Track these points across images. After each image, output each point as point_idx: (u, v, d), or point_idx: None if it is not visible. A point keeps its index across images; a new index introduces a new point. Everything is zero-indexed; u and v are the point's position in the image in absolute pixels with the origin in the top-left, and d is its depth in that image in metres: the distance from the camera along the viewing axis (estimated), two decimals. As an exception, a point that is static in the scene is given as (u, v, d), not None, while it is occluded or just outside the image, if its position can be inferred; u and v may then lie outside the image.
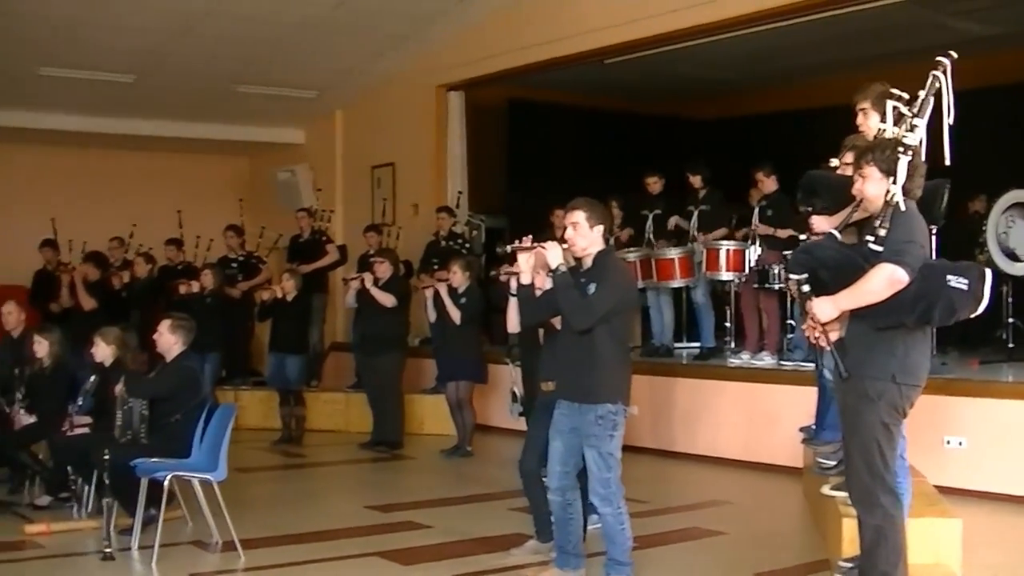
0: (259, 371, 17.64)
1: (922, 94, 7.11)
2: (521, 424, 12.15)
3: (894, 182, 6.29)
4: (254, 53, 17.91)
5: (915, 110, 7.04)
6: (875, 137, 7.40)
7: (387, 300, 14.25)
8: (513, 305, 8.59)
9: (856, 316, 6.24)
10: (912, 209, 6.37)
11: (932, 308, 6.19)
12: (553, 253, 7.52)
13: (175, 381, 9.68)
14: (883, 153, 6.40)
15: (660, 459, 13.45)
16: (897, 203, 6.26)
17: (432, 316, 14.24)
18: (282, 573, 8.55)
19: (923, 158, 6.83)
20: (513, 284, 8.39)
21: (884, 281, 6.11)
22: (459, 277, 13.57)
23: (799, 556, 8.96)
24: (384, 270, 14.41)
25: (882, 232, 6.21)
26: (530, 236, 7.93)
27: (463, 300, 13.57)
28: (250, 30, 17.04)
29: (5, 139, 20.76)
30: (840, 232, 6.62)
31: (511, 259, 8.22)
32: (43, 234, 18.21)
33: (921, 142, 6.96)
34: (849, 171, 6.97)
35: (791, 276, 6.58)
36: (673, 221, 14.82)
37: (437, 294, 13.87)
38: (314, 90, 19.90)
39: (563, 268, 7.49)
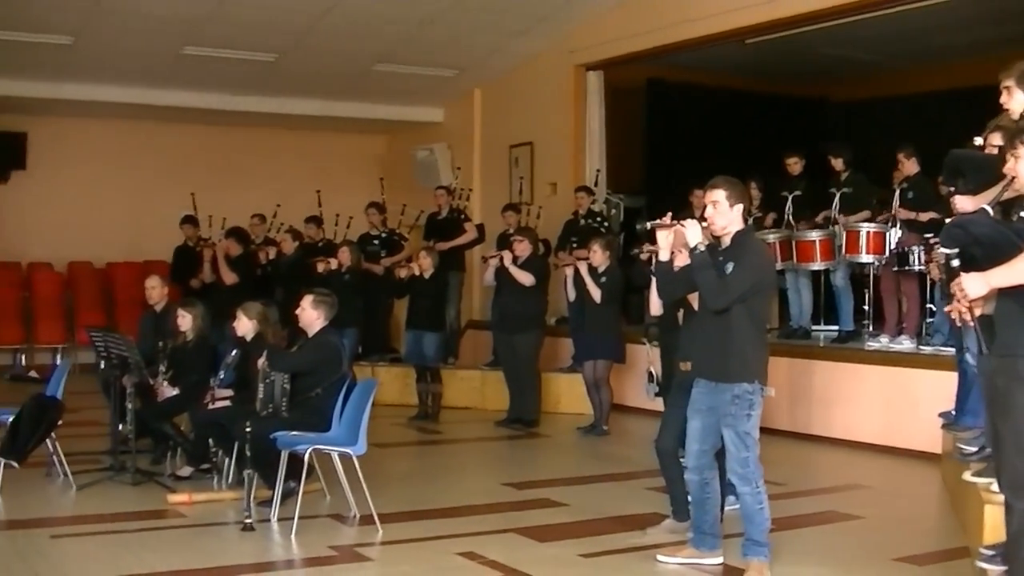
0: (396, 348, 17.75)
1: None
2: (657, 404, 12.12)
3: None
4: (395, 32, 18.01)
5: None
6: (1021, 115, 7.29)
7: (526, 279, 14.28)
8: (655, 284, 8.59)
9: (1004, 294, 6.07)
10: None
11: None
12: (692, 231, 7.50)
13: (317, 355, 9.80)
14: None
15: (797, 442, 13.36)
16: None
17: (571, 295, 14.24)
18: (419, 547, 8.63)
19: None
20: (653, 262, 8.39)
21: None
22: (599, 256, 13.57)
23: (938, 542, 8.87)
24: (523, 248, 14.42)
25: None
26: (670, 214, 7.90)
27: (603, 279, 13.56)
28: (391, 9, 17.15)
29: (148, 117, 21.15)
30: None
31: (651, 237, 8.20)
32: (184, 211, 18.50)
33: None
34: (994, 150, 6.86)
35: (942, 250, 6.46)
36: (819, 219, 14.63)
37: (577, 272, 13.87)
38: (453, 69, 19.96)
39: (702, 247, 7.46)
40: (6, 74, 18.81)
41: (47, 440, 10.55)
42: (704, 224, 7.57)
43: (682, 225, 7.59)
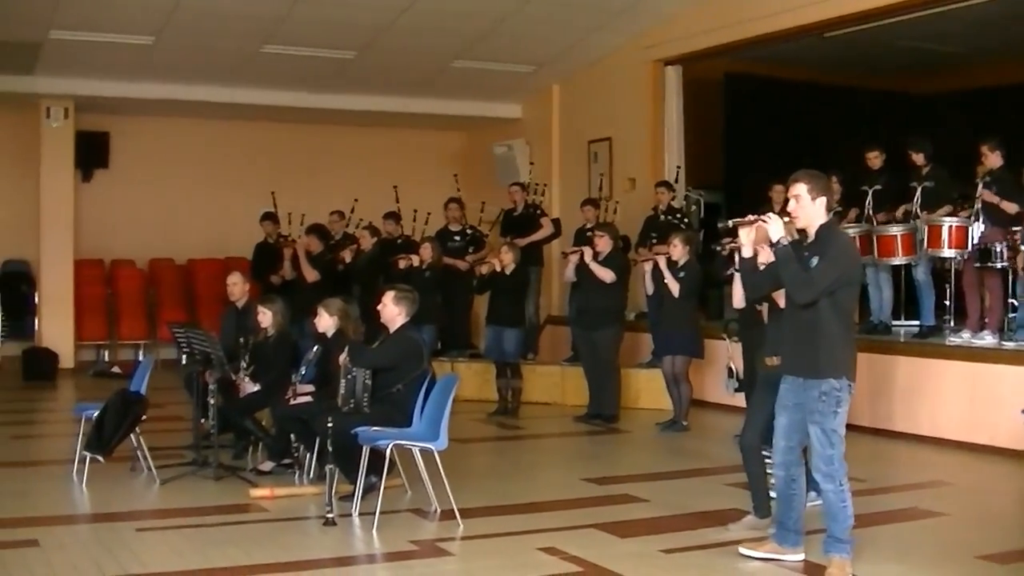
0: (475, 344, 17.78)
1: None
2: (737, 400, 12.12)
3: None
4: (472, 28, 18.04)
5: None
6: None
7: (606, 275, 14.24)
8: (739, 280, 8.56)
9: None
10: None
11: None
12: (775, 226, 7.45)
13: (398, 351, 9.82)
14: None
15: (878, 438, 13.27)
16: None
17: (650, 289, 14.23)
18: (500, 542, 8.66)
19: None
20: (736, 259, 8.36)
21: None
22: (679, 250, 13.54)
23: (1021, 540, 8.79)
24: (604, 244, 14.39)
25: None
26: (755, 216, 7.86)
27: (682, 274, 13.53)
28: (468, 5, 17.18)
29: (228, 115, 21.34)
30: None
31: (733, 234, 8.16)
32: (264, 208, 18.61)
33: None
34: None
35: None
36: (900, 213, 14.50)
37: (656, 267, 13.85)
38: (531, 65, 19.97)
39: (785, 241, 7.42)
40: (89, 74, 19.05)
41: (131, 435, 10.68)
42: (787, 219, 7.52)
43: (764, 221, 7.55)
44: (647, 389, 15.65)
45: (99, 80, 19.34)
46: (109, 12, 16.57)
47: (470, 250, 17.55)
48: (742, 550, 8.07)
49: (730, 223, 7.98)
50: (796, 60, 19.00)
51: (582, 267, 14.47)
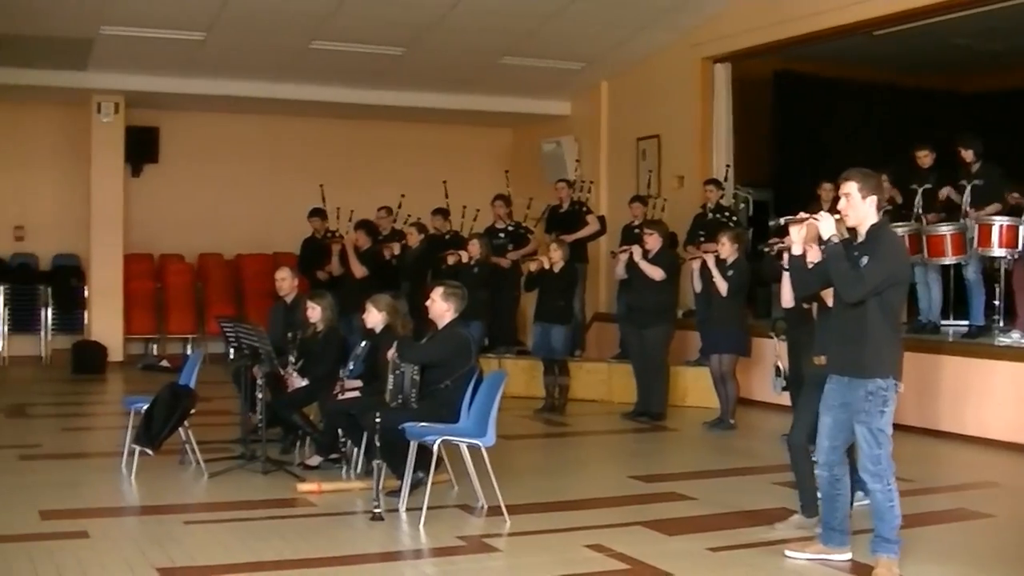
0: (522, 341, 17.78)
1: None
2: (783, 399, 12.08)
3: None
4: (521, 25, 18.04)
5: None
6: None
7: (656, 273, 14.22)
8: (787, 278, 8.54)
9: None
10: None
11: None
12: (825, 224, 7.42)
13: (447, 348, 9.83)
14: None
15: (925, 438, 13.20)
16: None
17: (698, 287, 14.23)
18: (547, 539, 8.66)
19: None
20: (786, 257, 8.34)
21: None
22: (727, 248, 13.51)
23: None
24: (653, 242, 14.36)
25: None
26: (806, 214, 7.83)
27: (730, 272, 13.49)
28: (517, 2, 17.19)
29: (277, 111, 21.43)
30: None
31: (783, 232, 8.14)
32: (312, 204, 18.66)
33: None
34: None
35: None
36: (945, 192, 14.44)
37: (704, 265, 13.82)
38: (580, 62, 19.95)
39: (835, 240, 7.39)
40: (139, 70, 19.18)
41: (180, 428, 10.73)
42: (837, 217, 7.50)
43: (815, 219, 7.53)
44: (694, 387, 15.64)
45: (149, 75, 19.47)
46: (160, 8, 16.68)
47: (509, 247, 17.57)
48: (788, 553, 8.05)
49: (782, 220, 7.96)
50: (845, 58, 18.90)
51: (632, 265, 14.46)
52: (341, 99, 20.72)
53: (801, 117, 19.74)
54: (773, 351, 12.53)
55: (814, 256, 7.77)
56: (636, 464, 12.09)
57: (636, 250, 14.40)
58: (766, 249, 9.90)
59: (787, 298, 9.10)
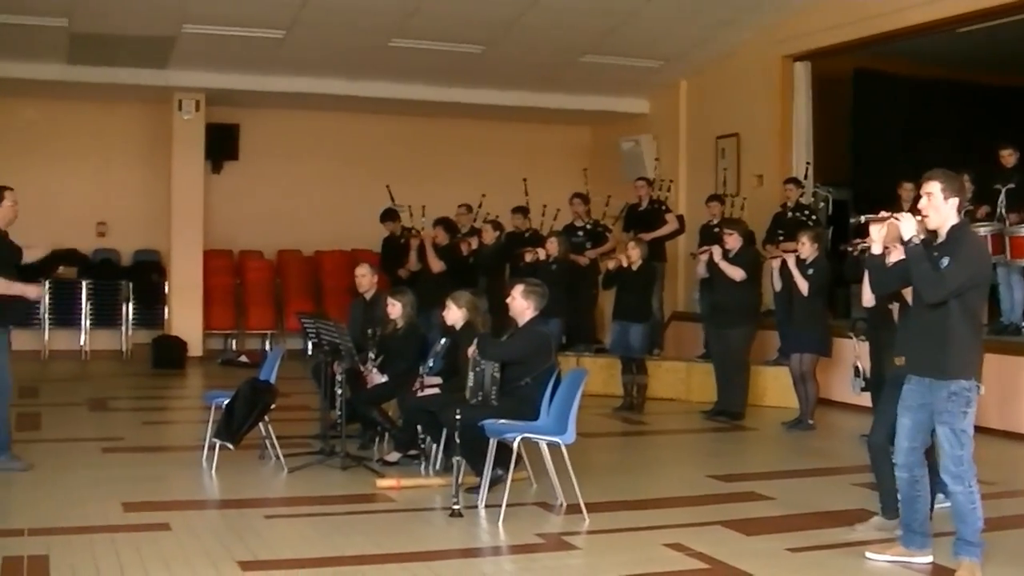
0: (600, 339, 17.77)
1: None
2: (863, 400, 12.01)
3: None
4: (600, 23, 18.03)
5: None
6: None
7: (736, 273, 14.18)
8: (868, 277, 8.49)
9: None
10: None
11: None
12: (906, 224, 7.37)
13: (528, 345, 9.85)
14: None
15: (1008, 441, 13.07)
16: None
17: (778, 286, 14.17)
18: (626, 537, 8.66)
19: None
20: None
21: None
22: (807, 248, 13.43)
23: None
24: (733, 242, 14.31)
25: None
26: (888, 213, 7.78)
27: (810, 271, 13.41)
28: (597, 1, 17.16)
29: (356, 108, 21.54)
30: None
31: (864, 231, 8.08)
32: (387, 204, 18.75)
33: None
34: None
35: None
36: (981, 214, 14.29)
37: (784, 265, 13.76)
38: (659, 60, 19.91)
39: (916, 239, 7.34)
40: (220, 67, 19.36)
41: (260, 423, 10.80)
42: (919, 217, 7.45)
43: (896, 219, 7.48)
44: (773, 387, 15.57)
45: (230, 73, 19.63)
46: (241, 7, 16.82)
47: (588, 245, 17.56)
48: (868, 555, 7.99)
49: (862, 219, 7.91)
50: (927, 56, 18.74)
51: (712, 265, 14.42)
52: (420, 97, 20.78)
53: (881, 115, 19.59)
54: (853, 351, 12.46)
55: (896, 256, 7.72)
56: (715, 463, 12.06)
57: (716, 250, 14.36)
58: (849, 249, 9.83)
59: (868, 298, 9.03)
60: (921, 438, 7.62)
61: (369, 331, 11.46)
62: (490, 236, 16.77)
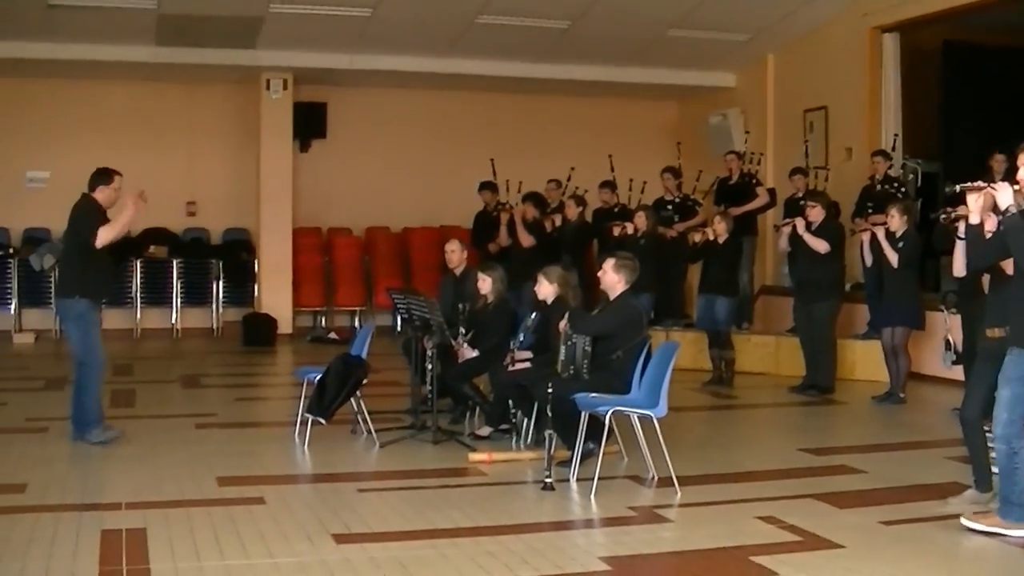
0: (689, 313, 17.74)
1: None
2: (953, 373, 11.94)
3: None
4: (687, -3, 17.99)
5: None
6: None
7: (820, 245, 14.09)
8: (960, 248, 8.42)
9: None
10: None
11: None
12: (1004, 194, 7.31)
13: (619, 319, 9.85)
14: None
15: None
16: None
17: (868, 260, 14.07)
18: (718, 510, 8.66)
19: None
20: (961, 227, 8.22)
21: None
22: (897, 221, 13.31)
23: None
24: (816, 214, 14.22)
25: None
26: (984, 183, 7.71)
27: (900, 244, 13.30)
28: (683, -26, 17.13)
29: (442, 85, 21.59)
30: None
31: (959, 200, 8.02)
32: (479, 178, 18.82)
33: None
34: None
35: None
36: None
37: (873, 238, 13.66)
38: (746, 33, 19.80)
39: (1014, 210, 7.28)
40: (307, 47, 19.45)
41: (352, 399, 10.89)
42: (1016, 187, 7.38)
43: (993, 188, 7.41)
44: (863, 361, 15.48)
45: (317, 52, 19.75)
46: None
47: (676, 219, 17.53)
48: (964, 521, 7.94)
49: (957, 188, 7.84)
50: (1017, 27, 18.45)
51: (796, 238, 14.35)
52: (507, 73, 20.78)
53: (971, 87, 19.34)
54: (944, 324, 12.40)
55: (990, 226, 7.65)
56: (805, 437, 12.04)
57: (799, 222, 14.26)
58: (941, 217, 9.74)
59: (959, 267, 8.93)
60: (1020, 410, 7.57)
61: (460, 306, 11.48)
62: (573, 212, 16.77)
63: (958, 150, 18.47)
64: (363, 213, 22.03)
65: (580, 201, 17.05)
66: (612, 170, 18.59)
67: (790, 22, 19.24)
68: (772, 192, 17.85)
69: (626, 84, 21.69)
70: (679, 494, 8.97)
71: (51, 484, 9.20)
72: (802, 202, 15.33)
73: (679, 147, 20.10)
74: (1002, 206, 7.30)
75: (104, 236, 10.43)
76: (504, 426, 11.03)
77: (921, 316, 13.76)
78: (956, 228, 8.49)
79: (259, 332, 19.83)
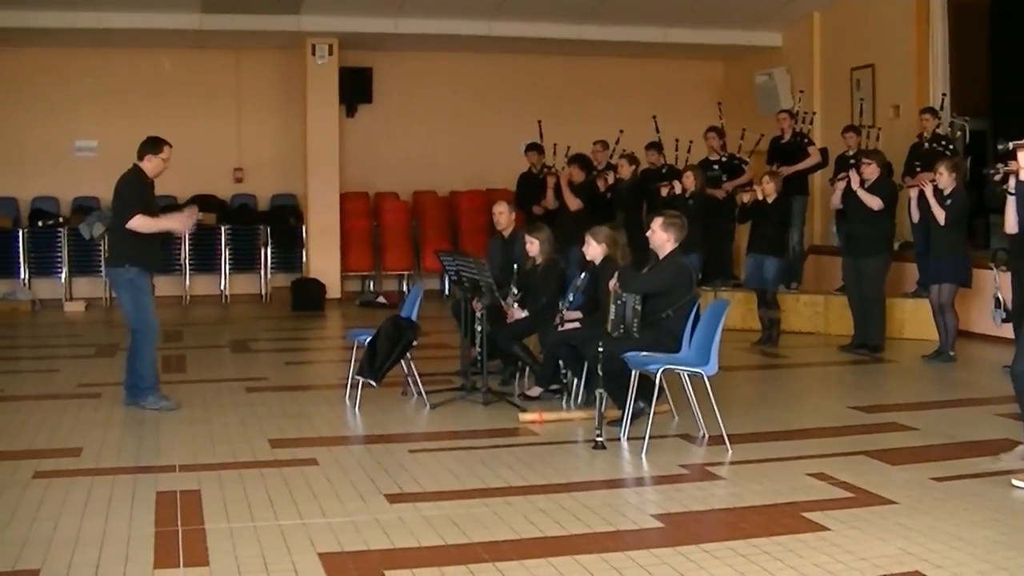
0: (737, 274, 17.71)
1: None
2: (1004, 331, 11.89)
3: None
4: (733, -45, 17.92)
5: None
6: None
7: (874, 202, 14.05)
8: (1011, 204, 8.39)
9: None
10: None
11: None
12: (1055, 150, 7.29)
13: (669, 277, 9.83)
14: None
15: None
16: None
17: (915, 217, 14.02)
18: (769, 468, 8.65)
19: None
20: (1011, 183, 8.18)
21: None
22: (945, 178, 13.25)
23: None
24: (871, 171, 14.16)
25: None
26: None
27: (949, 201, 13.24)
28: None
29: (487, 48, 21.66)
30: None
31: (1010, 156, 7.99)
32: (525, 140, 18.80)
33: None
34: None
35: None
36: None
37: (921, 195, 13.61)
38: (792, -8, 19.76)
39: (1064, 165, 7.25)
40: (352, 11, 19.51)
41: (402, 361, 10.94)
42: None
43: (1044, 143, 7.39)
44: (912, 319, 15.45)
45: (362, 17, 19.79)
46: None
47: (724, 178, 17.50)
48: (1015, 482, 7.93)
49: (1010, 145, 7.81)
50: (1068, -19, 18.35)
51: (849, 195, 14.30)
52: (552, 35, 20.80)
53: (1019, 43, 19.18)
54: (993, 282, 12.35)
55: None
56: (855, 395, 12.01)
57: (854, 177, 14.20)
58: (992, 172, 9.69)
59: (1011, 223, 8.90)
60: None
61: (515, 266, 11.47)
62: (626, 171, 16.72)
63: (1007, 107, 18.34)
64: (410, 177, 22.11)
65: (633, 160, 16.97)
66: (657, 131, 18.54)
67: (835, -20, 19.15)
68: (824, 152, 17.74)
69: (671, 44, 21.64)
70: (730, 452, 9.00)
71: (106, 448, 9.31)
72: (852, 160, 15.27)
73: (720, 107, 20.00)
74: (1053, 161, 7.27)
75: (138, 224, 10.48)
76: (554, 386, 11.08)
77: (968, 273, 13.68)
78: (1008, 184, 8.45)
79: (308, 297, 19.90)
